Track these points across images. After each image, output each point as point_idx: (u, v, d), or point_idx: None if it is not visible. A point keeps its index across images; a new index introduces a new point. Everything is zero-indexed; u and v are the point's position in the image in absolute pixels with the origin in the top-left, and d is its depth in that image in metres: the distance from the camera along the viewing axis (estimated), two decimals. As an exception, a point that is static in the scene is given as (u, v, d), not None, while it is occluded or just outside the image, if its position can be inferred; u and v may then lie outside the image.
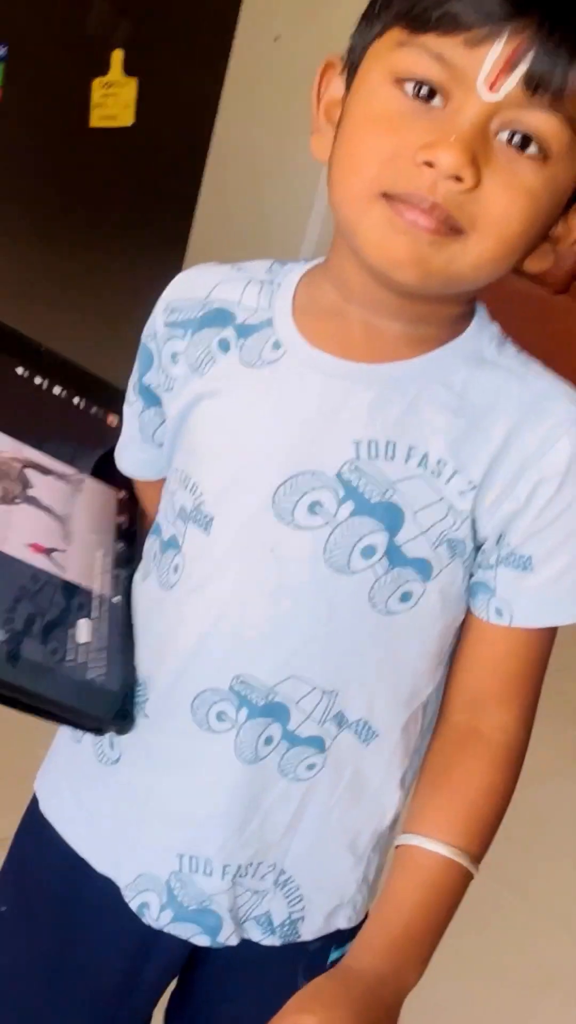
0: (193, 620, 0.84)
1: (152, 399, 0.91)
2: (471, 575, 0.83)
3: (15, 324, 1.03)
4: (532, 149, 0.70)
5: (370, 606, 0.80)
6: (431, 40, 0.69)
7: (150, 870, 0.89)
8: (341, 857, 0.89)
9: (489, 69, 0.68)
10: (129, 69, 2.34)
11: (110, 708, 0.85)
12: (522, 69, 0.68)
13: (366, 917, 0.90)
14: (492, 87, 0.68)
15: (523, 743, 0.85)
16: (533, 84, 0.68)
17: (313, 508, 0.78)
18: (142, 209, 2.35)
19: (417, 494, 0.78)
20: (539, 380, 0.80)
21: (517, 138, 0.70)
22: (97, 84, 2.33)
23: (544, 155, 0.71)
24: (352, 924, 0.92)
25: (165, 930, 0.89)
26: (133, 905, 0.90)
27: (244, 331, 0.83)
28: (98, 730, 0.87)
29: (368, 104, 0.73)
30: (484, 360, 0.80)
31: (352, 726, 0.84)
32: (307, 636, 0.81)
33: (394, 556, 0.78)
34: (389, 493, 0.77)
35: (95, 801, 0.92)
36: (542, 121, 0.69)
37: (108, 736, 0.90)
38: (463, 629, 0.86)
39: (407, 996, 0.77)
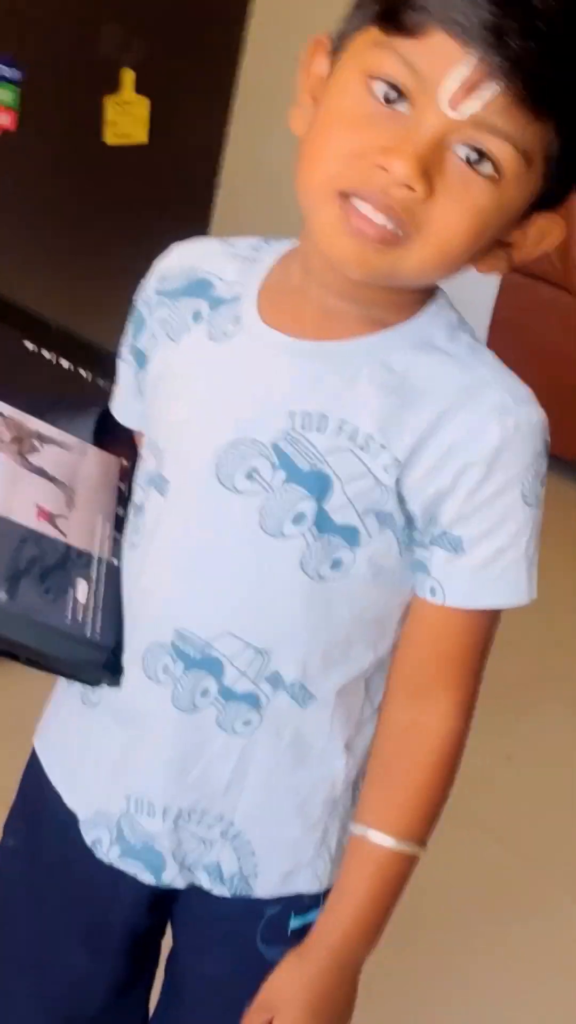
0: (144, 578, 0.91)
1: (143, 360, 0.95)
2: (413, 553, 0.85)
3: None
4: (486, 169, 0.73)
5: (302, 571, 0.84)
6: (404, 45, 0.72)
7: (105, 807, 0.95)
8: (291, 819, 0.93)
9: (454, 87, 0.71)
10: (140, 88, 2.39)
11: (102, 662, 0.91)
12: (486, 94, 0.70)
13: (329, 889, 0.94)
14: (454, 105, 0.71)
15: (461, 730, 0.89)
16: (494, 110, 0.71)
17: (251, 475, 0.83)
18: (158, 224, 2.40)
19: (345, 465, 0.81)
20: (481, 367, 0.83)
21: (473, 156, 0.73)
22: (110, 102, 2.38)
23: (496, 176, 0.74)
24: (313, 890, 0.95)
25: (115, 865, 0.96)
26: (88, 840, 0.97)
27: (215, 303, 0.88)
28: (94, 681, 0.93)
29: (340, 99, 0.76)
30: (432, 345, 0.83)
31: (288, 688, 0.88)
32: (242, 596, 0.86)
33: (323, 523, 0.82)
34: (319, 463, 0.81)
35: (70, 738, 0.99)
36: (498, 146, 0.72)
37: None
38: (408, 611, 0.89)
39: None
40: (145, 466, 0.93)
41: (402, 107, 0.73)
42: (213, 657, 0.87)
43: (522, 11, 0.69)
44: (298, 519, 0.82)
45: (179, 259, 0.93)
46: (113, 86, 2.39)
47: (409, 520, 0.83)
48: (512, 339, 3.38)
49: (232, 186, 2.72)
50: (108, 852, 0.96)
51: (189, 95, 2.47)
